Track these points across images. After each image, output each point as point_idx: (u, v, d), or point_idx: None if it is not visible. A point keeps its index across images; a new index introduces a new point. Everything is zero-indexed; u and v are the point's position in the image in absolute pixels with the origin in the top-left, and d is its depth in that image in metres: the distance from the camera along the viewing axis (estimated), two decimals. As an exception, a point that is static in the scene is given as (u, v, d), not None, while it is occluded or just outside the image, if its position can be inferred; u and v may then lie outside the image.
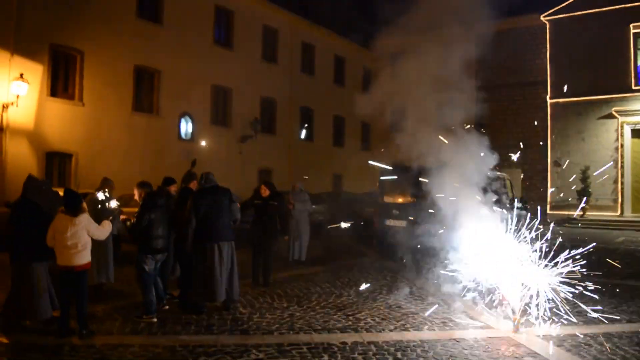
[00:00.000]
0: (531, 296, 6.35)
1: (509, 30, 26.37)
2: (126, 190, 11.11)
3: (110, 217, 6.87)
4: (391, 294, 8.59)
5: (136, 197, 7.33)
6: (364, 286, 8.95)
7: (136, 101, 20.79)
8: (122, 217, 7.77)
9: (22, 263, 6.25)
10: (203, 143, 9.38)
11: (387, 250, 11.61)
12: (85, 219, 6.14)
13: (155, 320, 6.70)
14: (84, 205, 6.30)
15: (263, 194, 9.62)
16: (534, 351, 5.72)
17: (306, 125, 30.26)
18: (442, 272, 7.59)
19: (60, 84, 18.28)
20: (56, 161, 18.15)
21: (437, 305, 7.61)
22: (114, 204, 7.45)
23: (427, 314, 7.29)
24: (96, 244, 7.11)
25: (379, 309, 7.64)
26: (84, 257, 6.12)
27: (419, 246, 9.04)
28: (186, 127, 23.20)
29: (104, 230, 6.38)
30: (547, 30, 27.34)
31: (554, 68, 26.91)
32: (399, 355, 5.57)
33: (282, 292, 8.81)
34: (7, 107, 16.11)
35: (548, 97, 27.18)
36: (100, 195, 7.94)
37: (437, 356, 5.55)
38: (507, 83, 28.71)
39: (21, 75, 15.91)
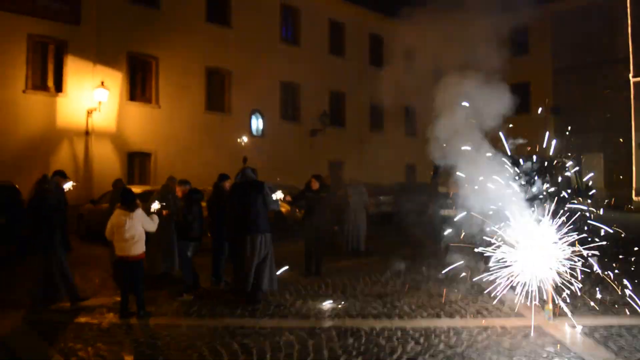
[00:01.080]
0: (568, 286, 6.34)
1: (587, 6, 25.12)
2: (203, 185, 11.94)
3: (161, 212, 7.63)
4: (436, 283, 8.76)
5: (178, 193, 8.07)
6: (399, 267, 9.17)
7: (208, 101, 21.94)
8: (164, 212, 8.50)
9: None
10: (245, 139, 9.71)
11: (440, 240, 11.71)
12: (140, 214, 6.88)
13: (192, 297, 7.64)
14: (138, 201, 7.04)
15: (313, 187, 10.06)
16: (559, 340, 5.77)
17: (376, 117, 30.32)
18: (482, 262, 7.69)
19: (138, 88, 19.71)
20: (137, 160, 19.61)
21: (475, 294, 7.73)
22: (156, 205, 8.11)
23: (464, 302, 7.44)
24: (158, 236, 7.96)
25: (419, 298, 7.86)
26: (139, 248, 6.86)
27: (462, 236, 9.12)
28: (257, 123, 24.13)
29: (154, 223, 7.10)
30: (628, 3, 25.68)
31: (636, 44, 25.29)
32: (421, 340, 5.82)
33: (331, 281, 9.22)
34: (92, 112, 17.65)
35: (631, 75, 25.62)
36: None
37: (459, 342, 5.76)
38: (586, 63, 27.29)
39: (102, 83, 17.38)
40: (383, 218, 18.51)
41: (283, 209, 15.01)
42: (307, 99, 26.06)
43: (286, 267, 8.89)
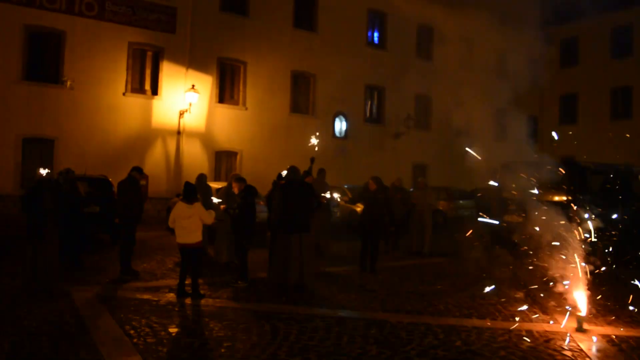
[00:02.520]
0: (600, 295, 6.32)
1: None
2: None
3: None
4: (485, 286, 8.82)
5: (235, 189, 8.81)
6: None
7: (293, 103, 22.89)
8: (222, 206, 9.24)
9: None
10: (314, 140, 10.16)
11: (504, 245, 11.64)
12: (198, 207, 7.67)
13: (246, 284, 8.40)
14: (199, 195, 7.87)
15: (371, 188, 10.46)
16: (580, 347, 5.80)
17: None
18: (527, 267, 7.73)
19: (227, 91, 21.05)
20: (224, 158, 20.95)
21: (518, 299, 7.78)
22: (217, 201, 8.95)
23: (504, 306, 7.53)
24: (224, 228, 8.84)
25: (460, 299, 8.04)
26: (196, 237, 7.65)
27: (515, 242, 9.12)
28: (340, 125, 24.76)
29: (211, 216, 7.87)
30: None
31: None
32: (440, 336, 6.08)
33: (383, 278, 9.60)
34: (183, 113, 19.14)
35: None
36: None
37: (477, 341, 5.95)
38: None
39: (193, 86, 18.81)
40: (460, 221, 18.41)
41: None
42: (392, 102, 26.29)
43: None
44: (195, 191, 7.84)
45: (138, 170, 9.48)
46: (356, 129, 24.85)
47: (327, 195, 11.19)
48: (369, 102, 25.93)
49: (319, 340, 5.77)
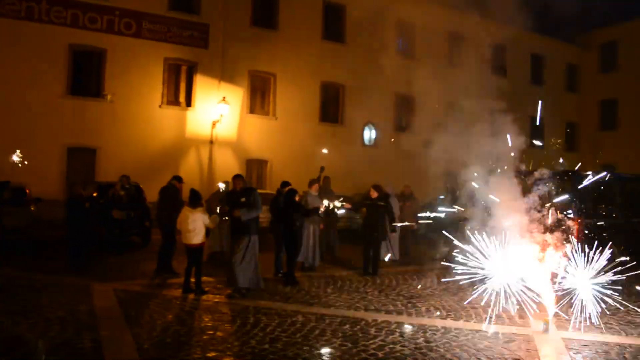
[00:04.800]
0: (572, 299, 6.71)
1: None
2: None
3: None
4: (477, 291, 9.24)
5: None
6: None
7: (322, 113, 23.69)
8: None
9: None
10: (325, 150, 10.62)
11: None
12: (200, 212, 8.53)
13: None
14: (203, 202, 8.74)
15: (372, 196, 11.09)
16: (537, 348, 6.23)
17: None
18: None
19: (258, 102, 22.07)
20: (254, 166, 21.94)
21: (495, 301, 8.22)
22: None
23: (485, 310, 7.99)
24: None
25: (445, 302, 8.55)
26: (199, 239, 8.52)
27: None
28: (369, 134, 25.36)
29: (213, 221, 8.74)
30: None
31: None
32: (406, 334, 6.67)
33: (380, 281, 10.21)
34: (215, 124, 20.25)
35: None
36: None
37: (439, 339, 6.50)
38: None
39: (224, 98, 19.91)
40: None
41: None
42: (422, 110, 26.63)
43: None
44: (198, 197, 8.72)
45: (177, 179, 10.48)
46: (386, 138, 25.35)
47: (325, 202, 11.75)
48: (399, 111, 26.38)
49: (292, 333, 6.48)
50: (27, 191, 13.38)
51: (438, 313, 7.81)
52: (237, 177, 9.89)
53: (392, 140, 24.57)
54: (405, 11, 25.40)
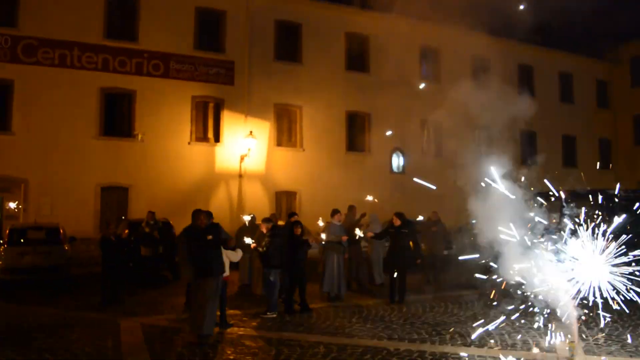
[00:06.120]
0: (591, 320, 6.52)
1: None
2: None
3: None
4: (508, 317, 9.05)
5: (263, 229, 9.77)
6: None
7: (349, 142, 23.84)
8: (252, 245, 10.21)
9: None
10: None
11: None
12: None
13: (275, 315, 9.27)
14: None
15: (395, 224, 11.07)
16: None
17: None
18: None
19: (284, 134, 22.40)
20: (284, 198, 22.14)
21: (520, 327, 8.06)
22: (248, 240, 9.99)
23: (512, 336, 7.85)
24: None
25: (471, 329, 8.37)
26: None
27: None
28: (398, 161, 25.35)
29: (237, 254, 8.88)
30: None
31: None
32: (427, 361, 6.61)
33: (407, 308, 10.12)
34: (243, 158, 20.63)
35: None
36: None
37: (461, 365, 6.43)
38: None
39: (251, 132, 20.29)
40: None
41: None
42: (450, 135, 26.53)
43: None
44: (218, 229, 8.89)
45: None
46: (414, 164, 25.25)
47: (357, 232, 11.86)
48: (427, 136, 26.33)
49: (312, 364, 6.50)
50: (61, 231, 13.82)
51: (462, 340, 7.69)
52: (199, 212, 8.12)
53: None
54: (429, 37, 25.63)
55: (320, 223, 11.98)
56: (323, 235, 11.10)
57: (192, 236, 7.88)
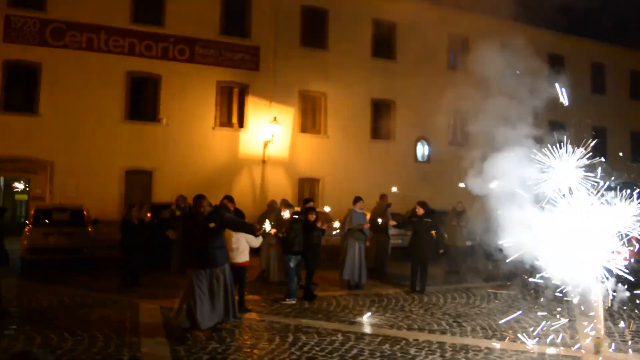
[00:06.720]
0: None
1: None
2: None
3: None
4: (526, 309, 8.87)
5: (283, 214, 9.67)
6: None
7: (374, 130, 23.59)
8: (272, 230, 10.11)
9: None
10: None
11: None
12: (243, 230, 8.61)
13: (294, 302, 9.20)
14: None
15: (418, 213, 10.88)
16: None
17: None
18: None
19: (309, 121, 22.27)
20: (307, 185, 22.05)
21: (545, 321, 7.83)
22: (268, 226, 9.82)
23: (535, 329, 7.64)
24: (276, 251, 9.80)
25: (493, 321, 8.22)
26: (243, 257, 8.59)
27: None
28: (422, 150, 25.03)
29: (257, 240, 8.78)
30: None
31: None
32: (447, 354, 6.42)
33: (428, 298, 9.97)
34: (267, 144, 20.57)
35: None
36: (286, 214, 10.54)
37: (480, 359, 6.25)
38: None
39: (275, 119, 20.21)
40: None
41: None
42: (476, 123, 26.05)
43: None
44: (242, 217, 8.82)
45: (229, 199, 10.65)
46: (439, 153, 24.90)
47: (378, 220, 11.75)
48: (453, 125, 25.89)
49: (329, 352, 6.39)
50: (85, 212, 13.95)
51: (483, 333, 7.51)
52: (201, 197, 7.25)
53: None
54: (456, 25, 25.06)
55: (327, 209, 11.88)
56: (337, 224, 10.97)
57: (193, 224, 7.12)
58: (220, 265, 7.04)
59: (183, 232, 7.49)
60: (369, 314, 8.51)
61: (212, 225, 6.97)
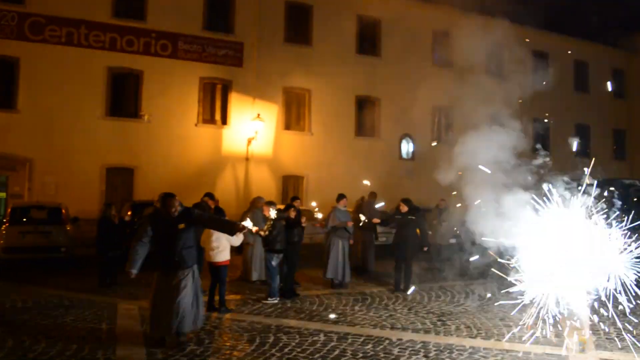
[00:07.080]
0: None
1: None
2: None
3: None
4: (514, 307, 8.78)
5: (266, 213, 9.51)
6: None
7: (358, 127, 23.51)
8: (255, 228, 9.97)
9: None
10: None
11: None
12: (223, 229, 8.43)
13: (276, 301, 9.05)
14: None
15: (402, 210, 10.79)
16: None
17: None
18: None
19: (293, 118, 22.12)
20: (291, 182, 21.91)
21: (531, 317, 7.77)
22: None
23: (522, 328, 7.57)
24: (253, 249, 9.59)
25: (477, 319, 8.15)
26: (223, 256, 8.42)
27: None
28: (407, 147, 24.99)
29: (238, 238, 8.59)
30: None
31: None
32: (431, 354, 6.33)
33: (412, 297, 9.86)
34: (251, 141, 20.37)
35: None
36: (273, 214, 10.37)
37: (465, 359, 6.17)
38: None
39: (258, 115, 20.03)
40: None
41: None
42: (460, 121, 26.10)
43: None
44: (223, 215, 8.65)
45: (210, 196, 10.48)
46: (424, 150, 24.87)
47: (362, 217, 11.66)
48: (438, 123, 25.90)
49: (310, 353, 6.27)
50: (63, 211, 13.67)
51: (468, 332, 7.44)
52: (169, 197, 6.56)
53: (434, 144, 24.15)
54: (440, 22, 25.00)
55: (313, 204, 11.87)
56: (319, 215, 10.95)
57: (159, 224, 6.49)
58: (188, 267, 6.50)
59: (143, 234, 6.48)
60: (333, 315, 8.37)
61: (181, 226, 6.45)
